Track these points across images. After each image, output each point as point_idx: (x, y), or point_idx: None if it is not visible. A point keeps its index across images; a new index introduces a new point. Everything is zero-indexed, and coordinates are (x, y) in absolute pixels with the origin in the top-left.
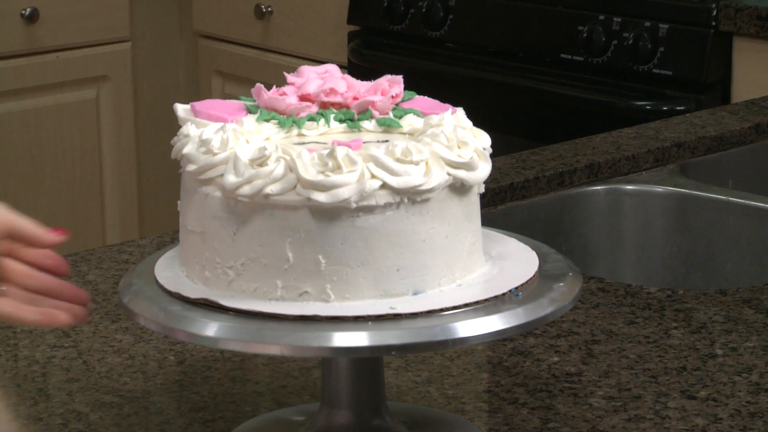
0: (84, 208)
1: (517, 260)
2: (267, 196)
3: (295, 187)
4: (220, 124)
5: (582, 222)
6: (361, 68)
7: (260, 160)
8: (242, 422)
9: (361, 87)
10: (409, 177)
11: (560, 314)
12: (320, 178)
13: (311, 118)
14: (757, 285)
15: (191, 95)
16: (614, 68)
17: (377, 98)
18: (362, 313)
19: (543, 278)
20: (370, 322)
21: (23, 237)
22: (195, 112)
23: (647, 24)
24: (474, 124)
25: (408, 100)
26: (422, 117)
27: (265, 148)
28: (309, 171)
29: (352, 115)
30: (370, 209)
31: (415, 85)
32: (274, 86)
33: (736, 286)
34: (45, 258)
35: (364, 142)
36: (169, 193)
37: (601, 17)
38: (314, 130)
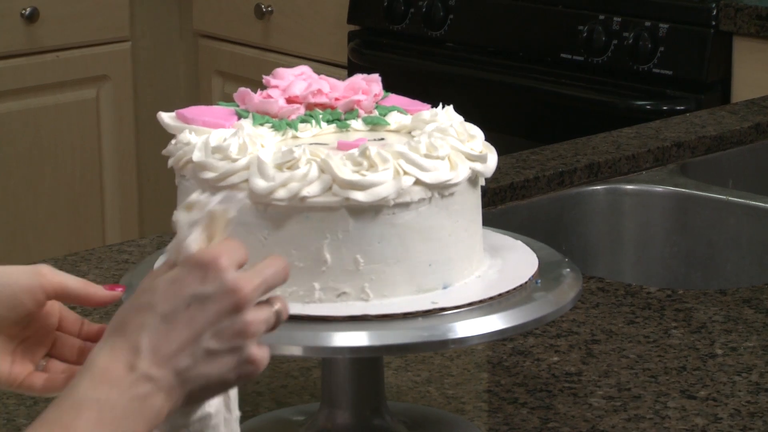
0: (84, 208)
1: (517, 260)
2: (303, 198)
3: (330, 187)
4: (229, 130)
5: (582, 222)
6: (361, 68)
7: (290, 163)
8: (242, 422)
9: (341, 86)
10: (438, 172)
11: (560, 314)
12: (357, 177)
13: (303, 120)
14: (757, 285)
15: (191, 95)
16: (614, 68)
17: (363, 97)
18: (407, 309)
19: (543, 278)
20: (420, 318)
21: (74, 296)
22: (187, 120)
23: (647, 24)
24: (474, 124)
25: (385, 98)
26: (406, 113)
27: (292, 151)
28: (344, 171)
29: (339, 115)
30: (405, 206)
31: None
32: (259, 90)
33: (736, 286)
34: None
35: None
36: (169, 193)
37: (601, 17)
38: (307, 132)
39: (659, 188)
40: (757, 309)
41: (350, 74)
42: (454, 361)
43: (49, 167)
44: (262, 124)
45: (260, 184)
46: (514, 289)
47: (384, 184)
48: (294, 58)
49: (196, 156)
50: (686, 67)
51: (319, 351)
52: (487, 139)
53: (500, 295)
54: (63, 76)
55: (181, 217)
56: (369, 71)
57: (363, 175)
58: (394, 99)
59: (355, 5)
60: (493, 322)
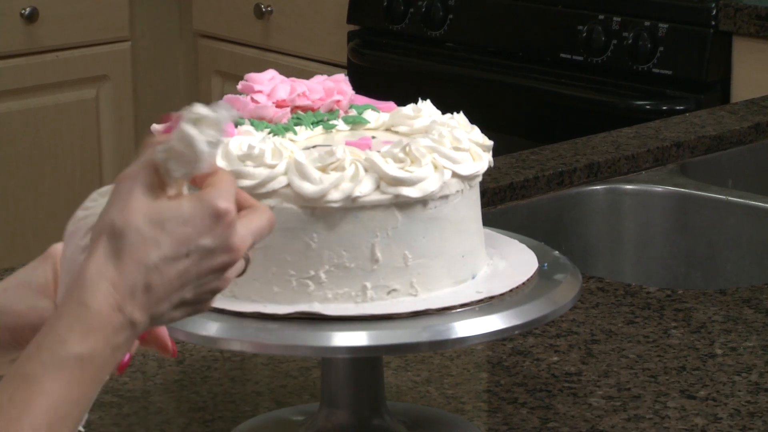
0: None
1: (516, 260)
2: (355, 198)
3: (379, 186)
4: (245, 137)
5: (581, 222)
6: (361, 68)
7: (335, 164)
8: (242, 422)
9: (318, 88)
10: (468, 164)
11: (560, 314)
12: (404, 173)
13: (296, 123)
14: (757, 285)
15: (191, 95)
16: (614, 68)
17: (341, 97)
18: (457, 302)
19: (542, 278)
20: (477, 307)
21: None
22: (166, 129)
23: (647, 23)
24: (473, 124)
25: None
26: (379, 112)
27: (333, 152)
28: (391, 168)
29: (322, 117)
30: (445, 199)
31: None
32: (245, 95)
33: (736, 286)
34: None
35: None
36: None
37: (601, 17)
38: (301, 135)
39: (659, 188)
40: (757, 309)
41: (350, 74)
42: (453, 361)
43: (48, 167)
44: (261, 130)
45: (309, 187)
46: (513, 289)
47: (429, 178)
48: (294, 57)
49: (223, 164)
50: (686, 67)
51: (319, 351)
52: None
53: (500, 294)
54: (63, 76)
55: (193, 132)
56: (369, 71)
57: (409, 171)
58: (360, 98)
59: (354, 5)
60: (493, 322)
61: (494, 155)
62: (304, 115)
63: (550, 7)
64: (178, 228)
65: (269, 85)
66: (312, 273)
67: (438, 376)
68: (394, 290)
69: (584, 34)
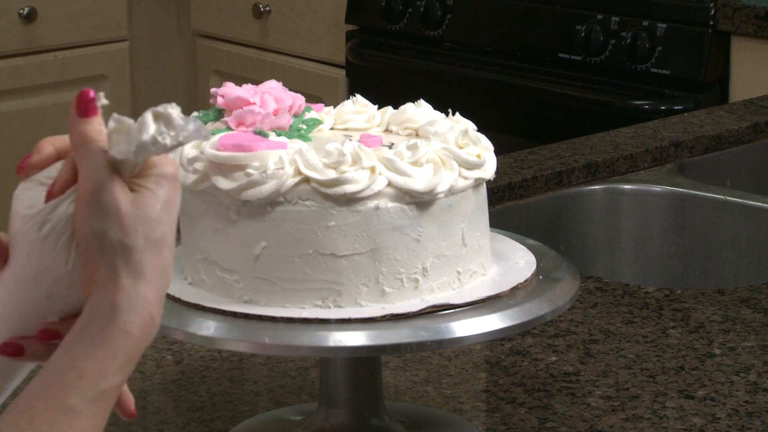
0: None
1: (515, 260)
2: (453, 187)
3: (462, 173)
4: (335, 144)
5: (580, 221)
6: (359, 67)
7: (421, 158)
8: (240, 422)
9: (286, 96)
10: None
11: (558, 314)
12: (476, 159)
13: (298, 129)
14: (755, 284)
15: (189, 95)
16: (612, 68)
17: (300, 102)
18: (456, 302)
19: (541, 278)
20: (475, 307)
21: None
22: (243, 148)
23: (645, 23)
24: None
25: None
26: (316, 112)
27: (416, 145)
28: (463, 153)
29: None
30: (484, 181)
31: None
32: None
33: (734, 286)
34: None
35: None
36: None
37: (599, 17)
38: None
39: (657, 188)
40: (755, 309)
41: (349, 74)
42: (452, 360)
43: None
44: (292, 138)
45: (417, 183)
46: (512, 288)
47: (488, 160)
48: (292, 57)
49: (314, 174)
50: (684, 67)
51: (318, 351)
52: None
53: (498, 294)
54: (61, 75)
55: (148, 120)
56: (367, 71)
57: (476, 155)
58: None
59: (352, 5)
60: (492, 322)
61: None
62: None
63: (548, 6)
64: (168, 213)
65: (255, 96)
66: (419, 266)
67: (436, 376)
68: (475, 272)
69: (582, 34)
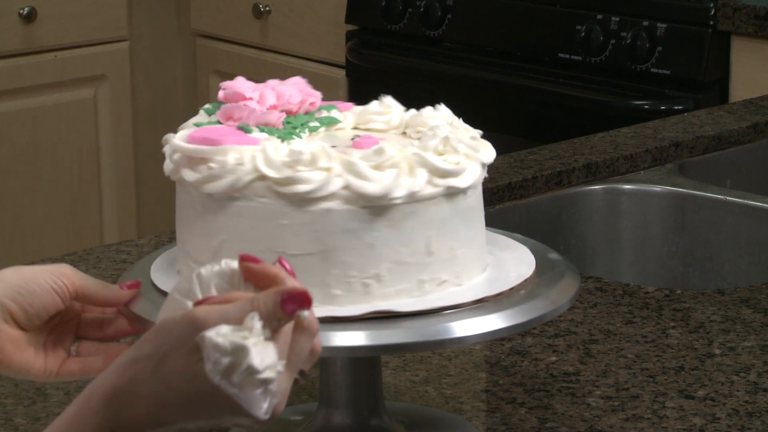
0: (82, 208)
1: (514, 260)
2: (414, 193)
3: (431, 180)
4: (300, 143)
5: (580, 221)
6: (359, 67)
7: (389, 162)
8: None
9: (294, 91)
10: (487, 151)
11: (558, 314)
12: (451, 166)
13: (294, 127)
14: (755, 284)
15: (189, 95)
16: (612, 68)
17: (313, 99)
18: (456, 302)
19: (541, 278)
20: (475, 307)
21: (94, 299)
22: (213, 142)
23: (645, 23)
24: (472, 124)
25: None
26: (340, 111)
27: (383, 150)
28: (438, 161)
29: (303, 120)
30: (474, 188)
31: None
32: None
33: (734, 286)
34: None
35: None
36: (167, 192)
37: (599, 17)
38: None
39: (657, 188)
40: (755, 309)
41: (349, 74)
42: (452, 360)
43: (47, 167)
44: (274, 136)
45: (371, 187)
46: (512, 288)
47: (469, 168)
48: (292, 57)
49: (269, 172)
50: (684, 67)
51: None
52: (484, 138)
53: (498, 294)
54: (61, 75)
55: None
56: (367, 71)
57: (454, 162)
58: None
59: (352, 5)
60: (491, 322)
61: None
62: (291, 118)
63: (548, 6)
64: None
65: (255, 91)
66: (373, 272)
67: (436, 376)
68: (445, 281)
69: (582, 34)
